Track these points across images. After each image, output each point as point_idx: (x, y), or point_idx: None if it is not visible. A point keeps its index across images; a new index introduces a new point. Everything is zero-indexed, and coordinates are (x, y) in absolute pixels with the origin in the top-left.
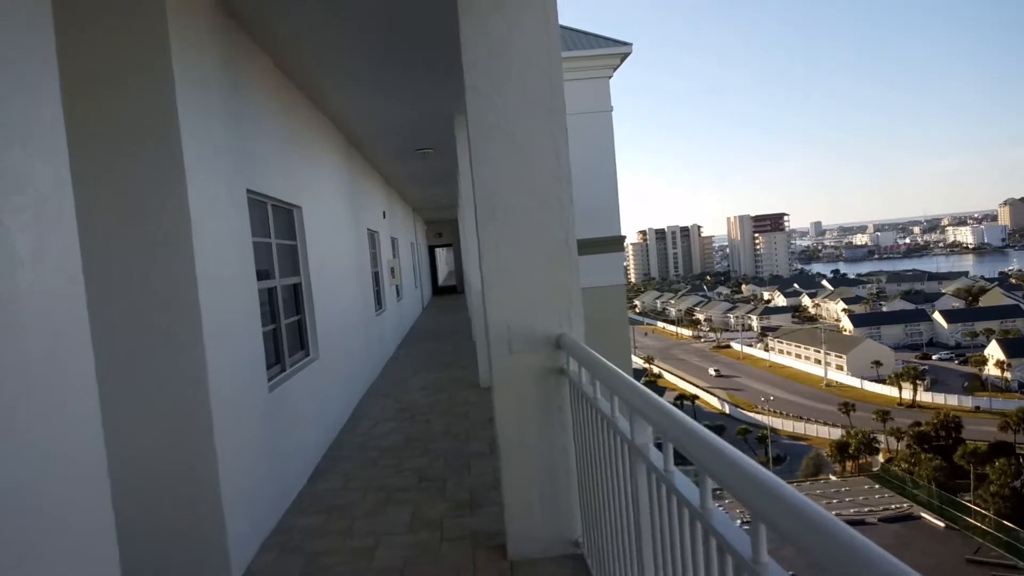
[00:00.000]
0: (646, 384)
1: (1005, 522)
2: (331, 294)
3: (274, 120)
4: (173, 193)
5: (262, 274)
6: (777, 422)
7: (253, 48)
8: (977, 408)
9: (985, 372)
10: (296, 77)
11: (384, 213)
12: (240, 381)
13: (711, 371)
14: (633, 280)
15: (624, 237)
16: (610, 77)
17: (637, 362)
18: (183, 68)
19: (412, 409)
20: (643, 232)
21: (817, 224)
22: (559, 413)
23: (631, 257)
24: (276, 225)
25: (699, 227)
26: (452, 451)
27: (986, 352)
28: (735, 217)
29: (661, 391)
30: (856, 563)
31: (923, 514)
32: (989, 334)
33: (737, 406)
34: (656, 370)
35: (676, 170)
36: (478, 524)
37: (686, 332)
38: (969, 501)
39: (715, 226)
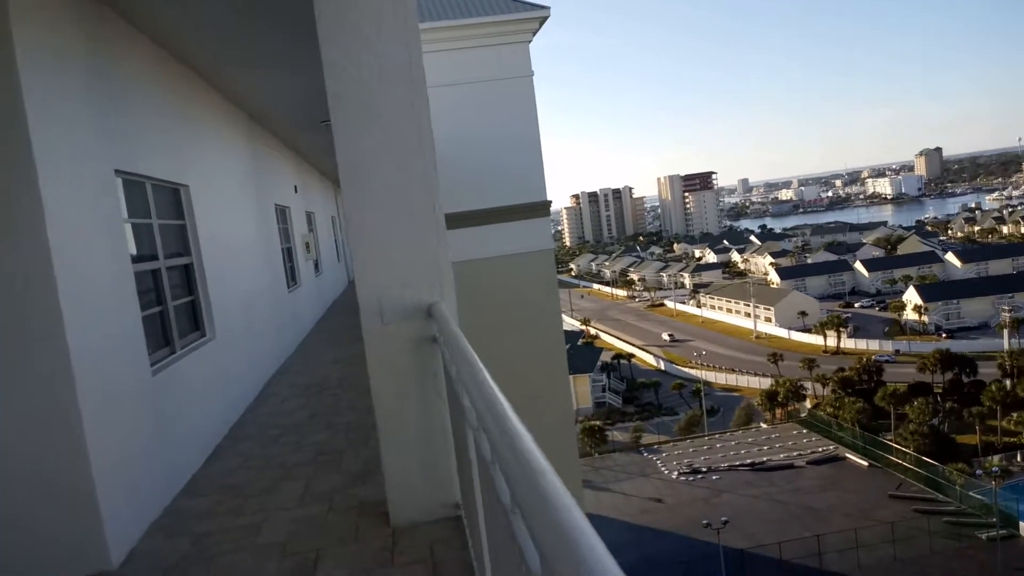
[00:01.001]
0: (583, 345)
1: (924, 458)
2: (230, 272)
3: (155, 99)
4: (22, 180)
5: (143, 256)
6: (711, 375)
7: (128, 29)
8: (897, 352)
9: (904, 317)
10: (181, 56)
11: (296, 187)
12: (114, 367)
13: (664, 336)
14: (568, 244)
15: (550, 202)
16: (529, 42)
17: (573, 324)
18: (30, 52)
19: (322, 384)
20: (576, 196)
21: (744, 181)
22: (434, 380)
23: (565, 221)
24: (158, 205)
25: (630, 189)
26: (355, 424)
27: (904, 298)
28: (665, 177)
29: (598, 352)
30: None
31: (848, 455)
32: (907, 280)
33: (672, 362)
34: (593, 331)
35: (607, 133)
36: (368, 494)
37: (621, 293)
38: (890, 440)
39: (646, 187)
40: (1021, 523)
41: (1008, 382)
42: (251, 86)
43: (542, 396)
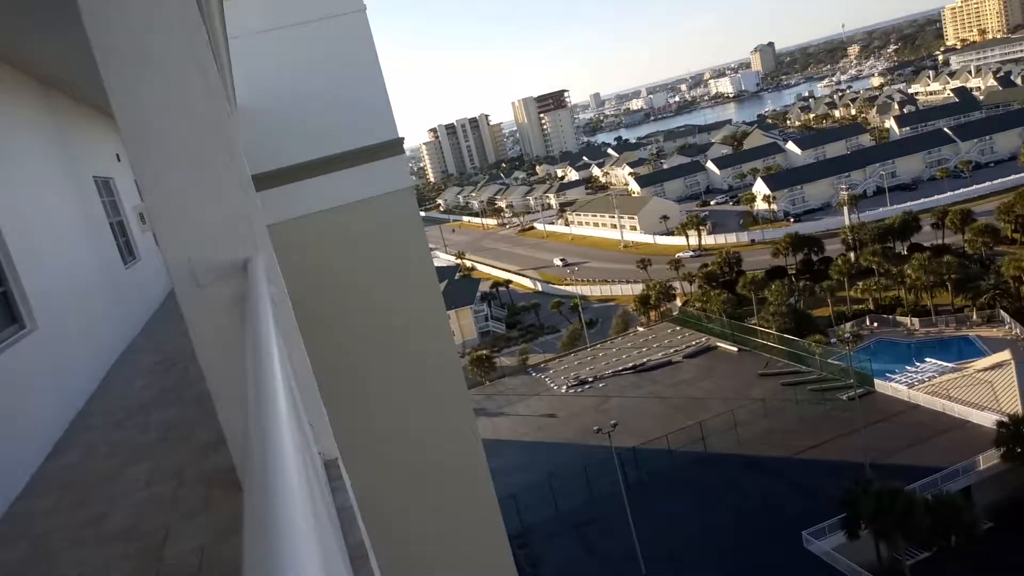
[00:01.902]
0: (461, 279)
1: (786, 335)
2: (47, 256)
3: None
4: None
5: None
6: (586, 289)
7: None
8: (752, 241)
9: (755, 208)
10: None
11: (118, 156)
12: None
13: (556, 261)
14: (432, 179)
15: (402, 139)
16: None
17: (448, 259)
18: None
19: (173, 358)
20: (433, 130)
21: (596, 96)
22: None
23: (427, 157)
24: None
25: (487, 116)
26: (206, 394)
27: (754, 190)
28: (519, 101)
29: (476, 283)
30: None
31: (719, 343)
32: (754, 173)
33: (548, 282)
34: (469, 264)
35: (458, 62)
36: (220, 463)
37: (491, 222)
38: (755, 324)
39: (502, 113)
40: (875, 380)
41: (852, 255)
42: (34, 50)
43: (422, 337)
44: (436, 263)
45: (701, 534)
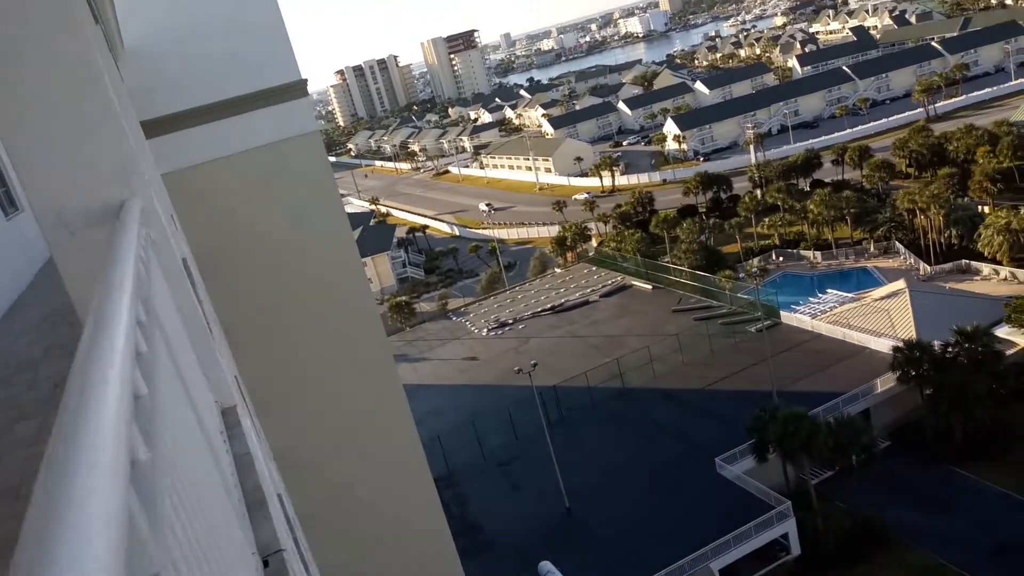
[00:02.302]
0: (376, 225)
1: (697, 272)
2: None
3: None
4: None
5: None
6: (503, 233)
7: None
8: (664, 181)
9: (666, 148)
10: None
11: None
12: None
13: (482, 206)
14: (342, 123)
15: (305, 81)
16: None
17: (362, 204)
18: None
19: (61, 313)
20: (340, 72)
21: (507, 36)
22: None
23: (335, 101)
24: None
25: (396, 58)
26: None
27: (665, 130)
28: (428, 41)
29: (392, 229)
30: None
31: (634, 282)
32: (665, 113)
33: (465, 226)
34: (384, 209)
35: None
36: None
37: (404, 166)
38: (668, 262)
39: (412, 55)
40: (781, 312)
41: (758, 192)
42: None
43: (335, 285)
44: (350, 209)
45: (621, 466)
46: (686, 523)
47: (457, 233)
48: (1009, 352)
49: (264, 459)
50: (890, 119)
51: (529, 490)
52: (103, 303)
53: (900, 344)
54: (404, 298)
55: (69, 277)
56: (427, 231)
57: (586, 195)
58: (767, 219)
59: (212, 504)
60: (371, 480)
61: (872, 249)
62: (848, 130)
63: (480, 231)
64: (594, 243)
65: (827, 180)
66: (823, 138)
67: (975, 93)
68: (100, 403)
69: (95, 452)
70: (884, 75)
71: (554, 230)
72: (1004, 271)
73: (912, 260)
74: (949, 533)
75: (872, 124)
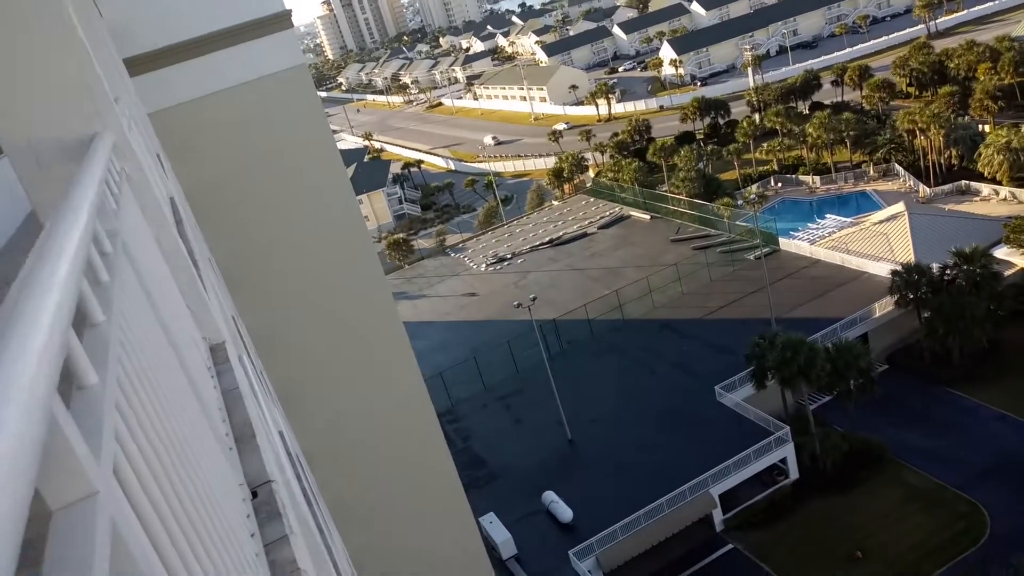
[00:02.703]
0: (370, 161)
1: (696, 200)
2: None
3: None
4: None
5: None
6: (499, 166)
7: None
8: (661, 107)
9: (663, 73)
10: None
11: None
12: None
13: (488, 139)
14: (331, 57)
15: (289, 11)
16: None
17: (356, 140)
18: None
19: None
20: (326, 2)
21: None
22: None
23: (323, 33)
24: None
25: None
26: None
27: (661, 55)
28: None
29: (387, 164)
30: None
31: (632, 213)
32: (661, 36)
33: (461, 160)
34: (378, 145)
35: None
36: None
37: (397, 100)
38: (666, 191)
39: None
40: (780, 238)
41: (756, 116)
42: None
43: (331, 222)
44: (343, 146)
45: (621, 396)
46: (686, 451)
47: (453, 168)
48: (1008, 273)
49: (262, 396)
50: (890, 36)
51: (531, 423)
52: (53, 225)
53: (898, 268)
54: (401, 235)
55: (41, 212)
56: (422, 166)
57: (564, 125)
58: (765, 144)
59: (190, 434)
60: (374, 416)
61: (871, 172)
62: (848, 49)
63: (476, 164)
64: (591, 174)
65: (826, 102)
66: (822, 58)
67: (976, 8)
68: (32, 325)
69: (16, 371)
70: None
71: (551, 162)
72: (1004, 191)
73: (911, 182)
74: (946, 454)
75: (872, 42)
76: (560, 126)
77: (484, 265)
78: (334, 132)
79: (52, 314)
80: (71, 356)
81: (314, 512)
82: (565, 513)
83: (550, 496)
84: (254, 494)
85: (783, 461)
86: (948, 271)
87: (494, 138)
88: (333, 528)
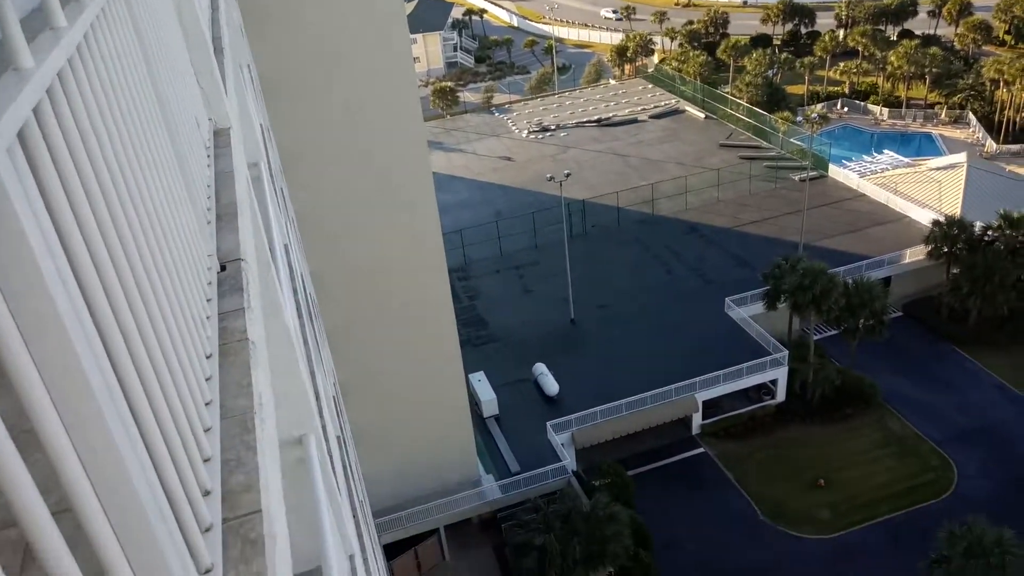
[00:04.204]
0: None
1: (755, 108)
2: None
3: None
4: None
5: None
6: (563, 31)
7: None
8: (745, 3)
9: None
10: None
11: None
12: None
13: (606, 12)
14: None
15: None
16: None
17: None
18: None
19: None
20: None
21: None
22: None
23: None
24: None
25: None
26: None
27: None
28: None
29: (449, 7)
30: None
31: (688, 107)
32: None
33: (526, 18)
34: None
35: None
36: None
37: None
38: (727, 92)
39: None
40: (830, 165)
41: (841, 33)
42: None
43: (379, 48)
44: None
45: (632, 289)
46: (682, 353)
47: (516, 24)
48: None
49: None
50: None
51: (539, 296)
52: None
53: (941, 219)
54: (450, 84)
55: None
56: (484, 16)
57: (612, 13)
58: (842, 64)
59: (155, 178)
60: (385, 245)
61: (943, 116)
62: None
63: (540, 25)
64: (656, 59)
65: (917, 32)
66: None
67: None
68: None
69: None
70: None
71: (617, 38)
72: None
73: (980, 134)
74: (934, 409)
75: None
76: (607, 12)
77: (526, 132)
78: None
79: None
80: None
81: (302, 320)
82: (552, 387)
83: (540, 368)
84: (223, 267)
85: (773, 382)
86: (990, 232)
87: (614, 11)
88: (325, 343)
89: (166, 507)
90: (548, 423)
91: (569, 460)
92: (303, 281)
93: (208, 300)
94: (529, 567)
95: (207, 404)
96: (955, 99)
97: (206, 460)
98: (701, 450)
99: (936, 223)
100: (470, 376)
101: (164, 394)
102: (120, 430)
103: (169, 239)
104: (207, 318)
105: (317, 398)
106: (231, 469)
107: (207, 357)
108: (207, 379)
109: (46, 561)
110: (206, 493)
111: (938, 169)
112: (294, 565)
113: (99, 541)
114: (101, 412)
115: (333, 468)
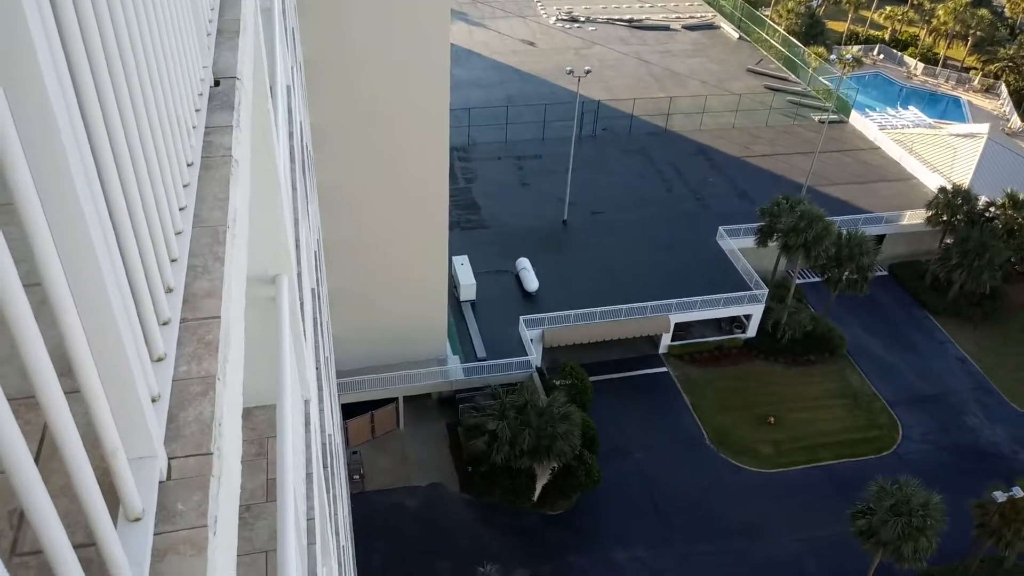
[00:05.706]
0: None
1: (791, 38)
2: None
3: None
4: None
5: None
6: None
7: None
8: None
9: None
10: None
11: None
12: None
13: None
14: None
15: None
16: None
17: None
18: None
19: None
20: None
21: None
22: None
23: None
24: None
25: None
26: None
27: None
28: None
29: None
30: None
31: (723, 24)
32: None
33: None
34: None
35: None
36: None
37: None
38: (767, 16)
39: None
40: (853, 111)
41: None
42: None
43: None
44: None
45: (630, 201)
46: (665, 272)
47: None
48: None
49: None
50: None
51: (536, 191)
52: None
53: (948, 186)
54: None
55: None
56: None
57: None
58: (888, 8)
59: None
60: (392, 106)
61: (976, 82)
62: None
63: None
64: None
65: None
66: None
67: None
68: None
69: None
70: None
71: None
72: None
73: (1008, 109)
74: (895, 371)
75: None
76: None
77: (554, 18)
78: None
79: None
80: None
81: (294, 166)
82: (532, 283)
83: (524, 263)
84: (216, 83)
85: (747, 317)
86: (992, 208)
87: None
88: (315, 199)
89: (126, 288)
90: (522, 317)
91: (535, 356)
92: (301, 130)
93: (197, 110)
94: (479, 449)
95: (181, 209)
96: (992, 67)
97: (173, 260)
98: (664, 369)
99: (942, 190)
100: (453, 258)
101: (138, 184)
102: (91, 207)
103: (164, 39)
104: (193, 127)
105: (297, 245)
106: (196, 274)
107: (188, 165)
108: (185, 185)
109: (13, 328)
110: (169, 290)
111: (957, 136)
112: (253, 399)
113: (59, 311)
114: (74, 186)
115: (303, 316)
